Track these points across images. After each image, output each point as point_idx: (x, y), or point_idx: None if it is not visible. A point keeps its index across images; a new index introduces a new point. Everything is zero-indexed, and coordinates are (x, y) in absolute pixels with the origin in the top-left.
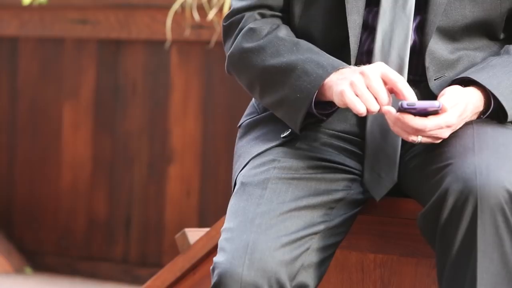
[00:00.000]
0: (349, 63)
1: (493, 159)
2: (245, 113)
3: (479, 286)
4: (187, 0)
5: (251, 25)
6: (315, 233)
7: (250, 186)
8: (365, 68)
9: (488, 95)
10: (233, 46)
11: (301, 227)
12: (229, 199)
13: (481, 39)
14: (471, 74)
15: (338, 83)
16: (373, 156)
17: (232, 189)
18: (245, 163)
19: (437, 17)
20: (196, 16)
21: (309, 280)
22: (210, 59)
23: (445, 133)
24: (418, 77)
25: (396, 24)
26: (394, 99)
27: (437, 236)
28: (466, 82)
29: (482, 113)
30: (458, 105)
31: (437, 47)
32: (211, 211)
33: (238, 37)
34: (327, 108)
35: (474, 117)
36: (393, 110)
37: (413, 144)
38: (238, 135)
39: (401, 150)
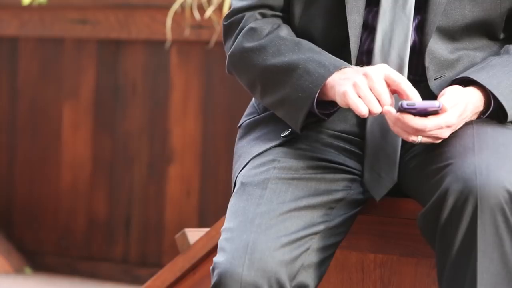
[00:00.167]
0: (349, 63)
1: (493, 159)
2: (245, 113)
3: (479, 286)
4: (186, 0)
5: (252, 24)
6: (315, 233)
7: (250, 186)
8: (368, 69)
9: (488, 95)
10: (233, 46)
11: (301, 227)
12: (229, 199)
13: (481, 39)
14: (471, 74)
15: (341, 83)
16: (373, 156)
17: (232, 189)
18: (245, 163)
19: (437, 17)
20: (196, 16)
21: (309, 280)
22: (210, 59)
23: (445, 133)
24: (418, 77)
25: (396, 24)
26: (397, 100)
27: (437, 236)
28: (466, 82)
29: (482, 113)
30: (458, 105)
31: (437, 47)
32: (211, 211)
33: (239, 36)
34: (328, 107)
35: (474, 117)
36: (393, 110)
37: (413, 144)
38: (238, 135)
39: (401, 150)
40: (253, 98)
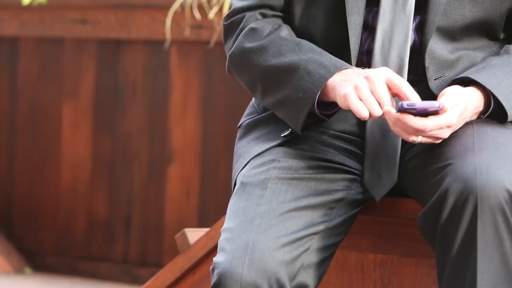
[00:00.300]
0: (349, 63)
1: (493, 159)
2: (245, 113)
3: (479, 286)
4: (186, 0)
5: (252, 25)
6: (315, 233)
7: (250, 186)
8: (370, 72)
9: (488, 95)
10: (234, 46)
11: (301, 227)
12: (229, 199)
13: (481, 39)
14: (471, 74)
15: (342, 85)
16: (373, 156)
17: (232, 189)
18: (245, 163)
19: (437, 17)
20: (197, 16)
21: (309, 280)
22: (210, 59)
23: (445, 133)
24: (418, 77)
25: (396, 24)
26: (397, 102)
27: (437, 236)
28: (466, 82)
29: (482, 113)
30: (458, 105)
31: (437, 47)
32: (211, 211)
33: (240, 36)
34: (329, 108)
35: (474, 117)
36: (393, 111)
37: (413, 144)
38: (238, 135)
39: (401, 150)
40: (253, 98)
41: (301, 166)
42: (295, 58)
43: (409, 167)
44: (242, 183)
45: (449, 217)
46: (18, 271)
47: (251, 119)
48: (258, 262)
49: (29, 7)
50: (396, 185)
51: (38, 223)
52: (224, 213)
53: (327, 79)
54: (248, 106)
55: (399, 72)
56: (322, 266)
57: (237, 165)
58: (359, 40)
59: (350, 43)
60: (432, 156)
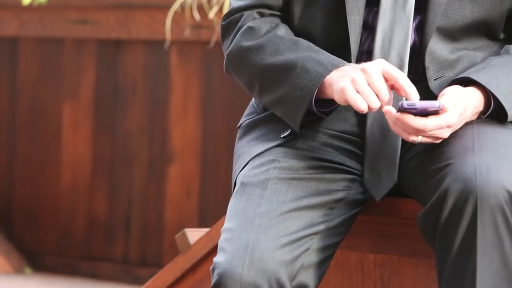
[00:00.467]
0: (349, 63)
1: (493, 159)
2: (245, 113)
3: (478, 286)
4: (186, 0)
5: (250, 24)
6: (315, 233)
7: (250, 186)
8: (366, 65)
9: (488, 95)
10: (231, 45)
11: (301, 227)
12: (229, 199)
13: (481, 39)
14: (471, 74)
15: (339, 80)
16: (373, 156)
17: (232, 189)
18: (245, 163)
19: (437, 17)
20: (196, 16)
21: (309, 280)
22: (210, 59)
23: (445, 133)
24: (418, 77)
25: (396, 24)
26: (395, 98)
27: (437, 236)
28: (466, 82)
29: (482, 113)
30: (458, 105)
31: (437, 47)
32: (211, 211)
33: (237, 36)
34: (326, 106)
35: (474, 117)
36: (393, 110)
37: (413, 144)
38: (238, 135)
39: (401, 150)
40: (253, 98)
41: (301, 166)
42: (292, 56)
43: (409, 167)
44: (242, 183)
45: (449, 217)
46: (18, 271)
47: (250, 119)
48: (258, 262)
49: (29, 7)
50: (396, 185)
51: (38, 223)
52: (224, 213)
53: (324, 77)
54: (248, 106)
55: None
56: (322, 266)
57: (237, 165)
58: (359, 40)
59: (350, 43)
60: (432, 156)
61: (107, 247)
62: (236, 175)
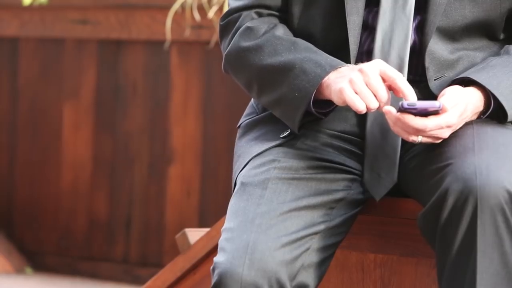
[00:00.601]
0: (349, 63)
1: (493, 159)
2: (245, 113)
3: (478, 286)
4: (187, 0)
5: (248, 24)
6: (315, 233)
7: (250, 186)
8: (363, 65)
9: (488, 95)
10: (230, 45)
11: (301, 227)
12: (229, 199)
13: (481, 39)
14: (471, 74)
15: (337, 81)
16: (373, 156)
17: (232, 189)
18: (245, 163)
19: (437, 17)
20: (197, 16)
21: (309, 280)
22: (210, 59)
23: (446, 133)
24: (418, 77)
25: (396, 24)
26: (394, 98)
27: (437, 236)
28: (466, 82)
29: (482, 113)
30: (459, 105)
31: (437, 47)
32: (211, 211)
33: (236, 36)
34: (325, 107)
35: (474, 117)
36: (393, 110)
37: (413, 144)
38: (238, 135)
39: (401, 150)
40: (252, 98)
41: (301, 166)
42: (290, 57)
43: (409, 167)
44: (242, 183)
45: (449, 217)
46: (19, 271)
47: (250, 119)
48: (259, 262)
49: (30, 7)
50: (396, 185)
51: (38, 223)
52: (225, 213)
53: (322, 78)
54: (248, 106)
55: (399, 72)
56: (322, 266)
57: (237, 165)
58: (359, 41)
59: (350, 43)
60: (432, 156)
61: (108, 247)
62: (236, 175)
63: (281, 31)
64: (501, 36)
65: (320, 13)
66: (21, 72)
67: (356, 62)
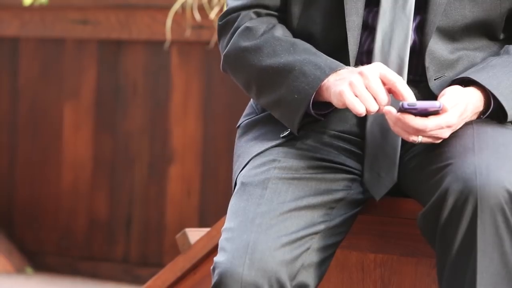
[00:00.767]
0: (348, 63)
1: (493, 159)
2: (244, 113)
3: (479, 285)
4: (187, 1)
5: (247, 24)
6: (316, 233)
7: (251, 186)
8: (363, 68)
9: (488, 95)
10: (229, 45)
11: (302, 227)
12: (230, 199)
13: (481, 39)
14: (471, 74)
15: (337, 84)
16: (373, 156)
17: (233, 189)
18: (245, 163)
19: (437, 17)
20: (197, 17)
21: (309, 280)
22: (210, 59)
23: (446, 133)
24: (418, 77)
25: (396, 24)
26: (393, 99)
27: (437, 236)
28: (466, 82)
29: (482, 113)
30: (459, 105)
31: (437, 47)
32: (211, 211)
33: (235, 36)
34: (323, 108)
35: (474, 117)
36: (393, 110)
37: (413, 144)
38: (237, 135)
39: (401, 150)
40: (252, 99)
41: (301, 166)
42: (290, 59)
43: (409, 167)
44: (243, 183)
45: (449, 217)
46: (19, 271)
47: (249, 119)
48: (259, 262)
49: (30, 7)
50: (396, 185)
51: (39, 223)
52: (225, 213)
53: (322, 80)
54: (247, 107)
55: (399, 72)
56: (322, 265)
57: (237, 165)
58: (358, 41)
59: (349, 44)
60: (432, 156)
61: (108, 247)
62: (237, 175)
63: (280, 31)
64: (501, 36)
65: (320, 13)
66: (21, 72)
67: (356, 62)
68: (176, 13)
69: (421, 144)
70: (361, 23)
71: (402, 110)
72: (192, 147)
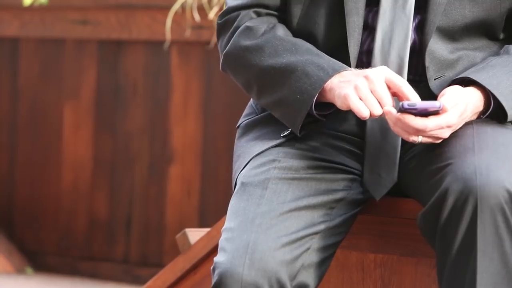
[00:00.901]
0: (349, 63)
1: (493, 159)
2: (244, 113)
3: (479, 285)
4: (187, 1)
5: (247, 23)
6: (316, 233)
7: (251, 186)
8: (369, 72)
9: (488, 95)
10: (229, 44)
11: (302, 227)
12: (230, 199)
13: (481, 39)
14: (471, 74)
15: (341, 86)
16: (373, 156)
17: (233, 189)
18: (245, 163)
19: (437, 17)
20: (197, 17)
21: (309, 280)
22: (210, 60)
23: (446, 133)
24: (418, 77)
25: (396, 24)
26: (397, 102)
27: (437, 236)
28: (466, 82)
29: (482, 113)
30: (459, 105)
31: (437, 47)
32: (211, 211)
33: (235, 35)
34: (324, 109)
35: (474, 117)
36: (393, 111)
37: (413, 144)
38: (237, 135)
39: (401, 150)
40: (252, 99)
41: (301, 166)
42: (292, 59)
43: (409, 167)
44: (243, 183)
45: (449, 217)
46: (19, 271)
47: (249, 119)
48: (259, 262)
49: (30, 7)
50: (396, 185)
51: (39, 223)
52: (225, 213)
53: (325, 82)
54: (247, 107)
55: (399, 72)
56: (322, 265)
57: (237, 165)
58: (359, 41)
59: (349, 44)
60: (432, 156)
61: (108, 247)
62: (237, 175)
63: (281, 31)
64: (501, 36)
65: (320, 13)
66: (21, 72)
67: (356, 62)
68: (176, 13)
69: (421, 144)
70: (362, 23)
71: (402, 110)
72: (192, 147)
